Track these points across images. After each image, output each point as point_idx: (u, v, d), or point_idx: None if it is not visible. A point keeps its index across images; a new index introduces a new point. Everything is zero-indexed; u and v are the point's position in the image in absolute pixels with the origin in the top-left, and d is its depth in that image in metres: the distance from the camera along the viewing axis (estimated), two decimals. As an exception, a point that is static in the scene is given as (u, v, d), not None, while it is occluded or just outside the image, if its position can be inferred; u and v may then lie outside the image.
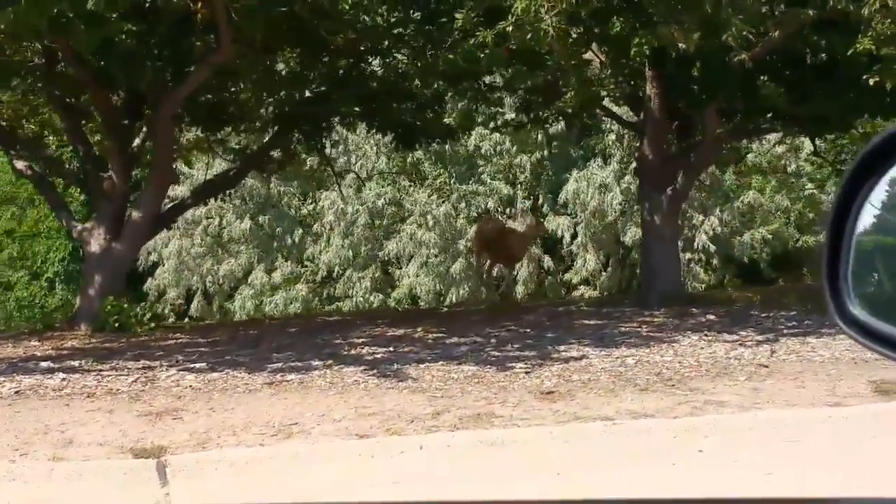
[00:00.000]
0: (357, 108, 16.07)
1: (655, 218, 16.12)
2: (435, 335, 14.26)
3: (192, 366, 12.02)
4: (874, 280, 2.32)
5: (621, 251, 25.72)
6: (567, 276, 25.92)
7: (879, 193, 2.24)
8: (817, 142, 27.89)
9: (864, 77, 12.95)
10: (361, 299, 26.05)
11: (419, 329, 14.81)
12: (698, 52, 13.53)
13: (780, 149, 26.66)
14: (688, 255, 24.95)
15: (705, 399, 10.15)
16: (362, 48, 14.98)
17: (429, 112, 16.69)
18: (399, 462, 8.68)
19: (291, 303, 26.58)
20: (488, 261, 20.31)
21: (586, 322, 14.98)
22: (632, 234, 24.57)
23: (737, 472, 8.32)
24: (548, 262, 25.60)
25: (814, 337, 13.10)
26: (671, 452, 8.87)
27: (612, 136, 24.98)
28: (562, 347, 12.81)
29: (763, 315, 15.16)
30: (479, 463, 8.69)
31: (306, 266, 27.90)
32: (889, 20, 12.22)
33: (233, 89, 16.14)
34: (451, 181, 26.71)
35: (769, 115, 16.30)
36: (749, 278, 26.50)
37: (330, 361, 12.17)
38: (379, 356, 12.57)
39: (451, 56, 13.37)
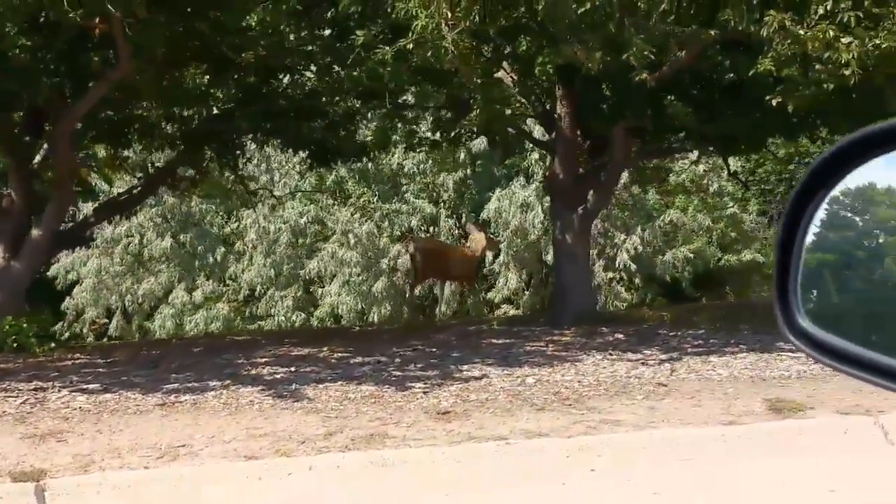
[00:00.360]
0: (267, 126, 15.85)
1: (567, 237, 16.09)
2: (340, 355, 14.10)
3: (85, 387, 11.79)
4: (823, 293, 2.37)
5: (544, 270, 25.67)
6: (490, 294, 25.85)
7: (827, 208, 2.30)
8: (739, 161, 28.29)
9: (767, 98, 13.00)
10: (283, 318, 25.83)
11: (325, 349, 14.65)
12: (606, 72, 13.57)
13: (702, 168, 26.79)
14: (609, 275, 24.98)
15: (601, 418, 10.11)
16: (268, 65, 14.75)
17: (341, 130, 16.53)
18: (287, 484, 8.58)
19: (212, 322, 26.29)
20: (431, 279, 20.27)
21: (494, 341, 14.90)
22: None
23: (628, 490, 8.32)
24: (470, 280, 25.48)
25: (716, 356, 13.13)
26: (563, 472, 8.84)
27: (536, 156, 24.98)
28: (465, 367, 12.72)
29: (671, 334, 15.18)
30: (370, 484, 8.60)
31: (228, 285, 27.64)
32: (788, 41, 12.27)
33: (140, 105, 15.86)
34: (375, 200, 26.59)
35: (681, 135, 16.33)
36: (673, 297, 26.62)
37: (228, 382, 12.00)
38: (279, 376, 12.41)
39: (355, 73, 13.27)
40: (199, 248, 27.31)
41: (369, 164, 26.04)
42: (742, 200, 29.23)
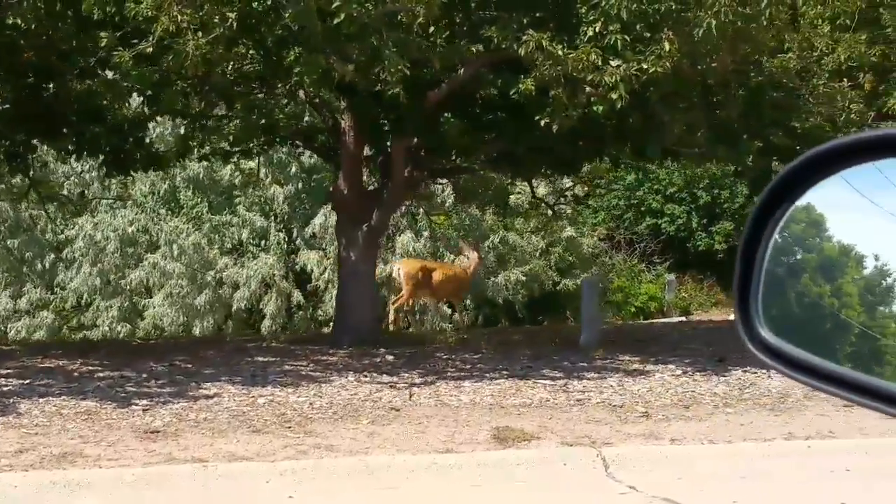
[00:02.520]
0: (35, 128, 15.15)
1: (351, 254, 15.72)
2: (90, 368, 13.61)
3: None
4: (783, 304, 2.40)
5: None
6: (318, 312, 25.38)
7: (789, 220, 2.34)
8: (582, 186, 28.26)
9: (537, 118, 12.80)
10: (107, 328, 25.13)
11: (79, 361, 14.13)
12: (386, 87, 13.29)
13: (541, 190, 26.57)
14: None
15: (315, 442, 9.84)
16: (43, 65, 14.08)
17: (128, 136, 15.87)
18: (-45, 504, 8.20)
19: (35, 330, 25.49)
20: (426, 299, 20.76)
21: (259, 359, 14.51)
22: (379, 270, 24.21)
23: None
24: (297, 296, 25.02)
25: (472, 381, 12.87)
26: (258, 497, 8.66)
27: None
28: (207, 384, 12.34)
29: (445, 357, 14.88)
30: (43, 505, 8.27)
31: (56, 293, 26.85)
32: (550, 62, 12.09)
33: None
34: (205, 211, 26.01)
35: (474, 156, 16.03)
36: (513, 320, 26.41)
37: (-53, 393, 11.50)
38: (6, 389, 11.92)
39: (110, 77, 12.78)
40: (28, 254, 26.49)
41: (200, 174, 25.63)
42: (581, 224, 29.22)
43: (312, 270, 24.70)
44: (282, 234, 25.59)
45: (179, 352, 15.29)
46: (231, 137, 16.63)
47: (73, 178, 26.03)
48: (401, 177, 15.45)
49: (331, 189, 16.97)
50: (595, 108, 12.58)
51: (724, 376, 13.40)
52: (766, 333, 2.31)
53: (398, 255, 24.43)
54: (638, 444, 10.13)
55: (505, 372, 13.54)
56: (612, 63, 12.27)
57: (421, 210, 25.07)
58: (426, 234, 25.05)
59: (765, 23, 12.85)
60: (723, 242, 31.74)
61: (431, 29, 13.13)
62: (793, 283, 2.42)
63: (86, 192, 27.00)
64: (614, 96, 12.22)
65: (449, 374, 13.42)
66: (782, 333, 2.30)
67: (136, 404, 11.12)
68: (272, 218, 25.82)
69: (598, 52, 12.15)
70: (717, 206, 32.22)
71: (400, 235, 24.87)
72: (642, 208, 32.86)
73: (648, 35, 12.75)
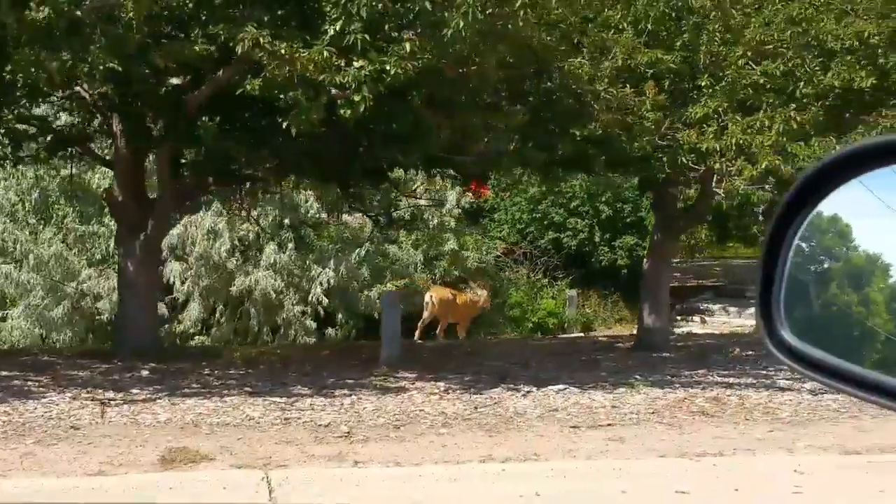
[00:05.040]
0: None
1: (129, 264, 15.02)
2: None
3: None
4: (805, 305, 2.41)
5: (235, 300, 24.43)
6: (179, 326, 24.59)
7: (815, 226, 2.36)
8: (468, 196, 27.63)
9: (280, 120, 12.18)
10: (-30, 341, 24.43)
11: None
12: (151, 89, 12.72)
13: (423, 202, 25.87)
14: (299, 308, 23.90)
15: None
16: None
17: None
18: None
19: None
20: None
21: (3, 373, 13.79)
22: (239, 283, 23.55)
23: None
24: (161, 308, 24.22)
25: (197, 398, 12.25)
26: None
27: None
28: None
29: (206, 374, 14.16)
30: None
31: (-75, 305, 26.14)
32: (277, 61, 11.46)
33: None
34: (72, 220, 25.26)
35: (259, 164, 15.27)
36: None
37: None
38: None
39: None
40: None
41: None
42: (469, 236, 28.52)
43: (174, 282, 23.95)
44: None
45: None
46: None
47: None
48: (168, 183, 14.77)
49: (104, 196, 16.18)
50: (342, 111, 11.92)
51: (479, 395, 12.75)
52: (787, 335, 2.32)
53: (263, 265, 23.75)
54: (318, 466, 9.53)
55: (247, 389, 12.86)
56: (355, 64, 11.65)
57: (287, 220, 24.39)
58: (291, 245, 24.30)
59: (521, 23, 12.23)
60: (626, 257, 31.07)
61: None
62: (821, 293, 2.44)
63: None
64: (357, 98, 11.60)
65: (184, 391, 12.71)
66: (806, 338, 2.30)
67: None
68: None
69: (332, 51, 11.53)
70: (620, 220, 31.53)
71: (266, 246, 24.13)
72: (545, 222, 32.11)
73: (396, 35, 12.15)
